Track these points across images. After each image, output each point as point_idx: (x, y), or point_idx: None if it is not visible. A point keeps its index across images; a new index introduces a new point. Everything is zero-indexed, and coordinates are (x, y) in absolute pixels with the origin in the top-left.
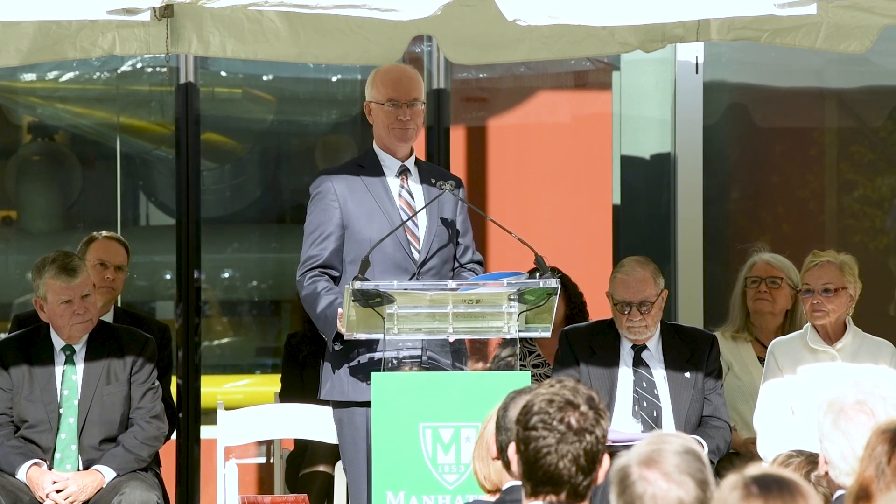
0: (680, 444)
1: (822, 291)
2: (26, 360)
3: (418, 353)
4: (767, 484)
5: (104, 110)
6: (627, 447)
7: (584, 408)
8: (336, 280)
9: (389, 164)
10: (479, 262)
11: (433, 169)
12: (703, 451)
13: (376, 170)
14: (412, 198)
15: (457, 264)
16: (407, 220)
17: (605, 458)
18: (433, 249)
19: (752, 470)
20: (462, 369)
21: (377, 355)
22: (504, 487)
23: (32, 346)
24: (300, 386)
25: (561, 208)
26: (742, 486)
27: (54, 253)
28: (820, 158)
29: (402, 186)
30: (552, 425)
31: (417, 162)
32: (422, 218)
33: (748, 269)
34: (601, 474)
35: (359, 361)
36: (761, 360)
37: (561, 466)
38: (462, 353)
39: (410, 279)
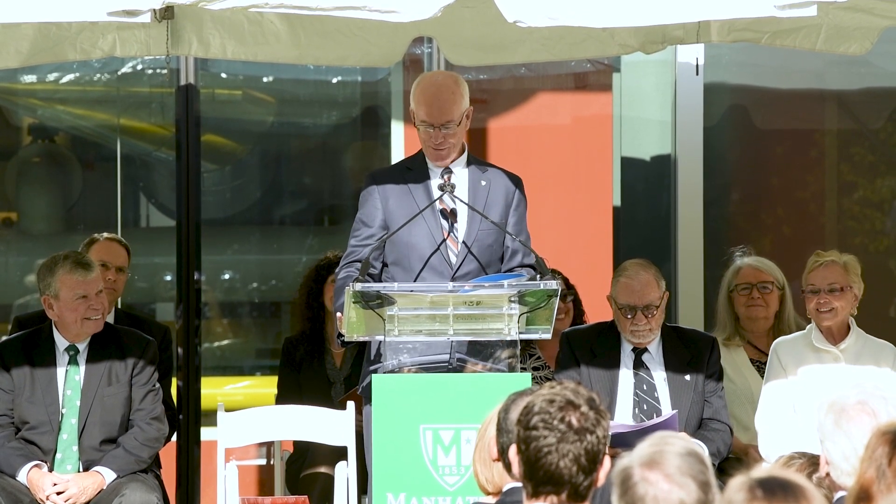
0: (682, 445)
1: (827, 290)
2: (28, 361)
3: (447, 357)
4: (772, 487)
5: (104, 112)
6: (631, 443)
7: (584, 408)
8: (374, 277)
9: (433, 166)
10: (532, 266)
11: (488, 167)
12: (706, 454)
13: (422, 172)
14: (454, 202)
15: (505, 268)
16: (419, 213)
17: (606, 460)
18: (470, 255)
19: (758, 472)
20: (501, 370)
21: (422, 359)
22: (504, 489)
23: (35, 347)
24: (297, 388)
25: (561, 210)
26: (747, 488)
27: (64, 252)
28: (820, 160)
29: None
30: (553, 425)
31: (470, 160)
32: (462, 221)
33: (734, 274)
34: (602, 475)
35: (390, 365)
36: (754, 362)
37: (562, 466)
38: (491, 355)
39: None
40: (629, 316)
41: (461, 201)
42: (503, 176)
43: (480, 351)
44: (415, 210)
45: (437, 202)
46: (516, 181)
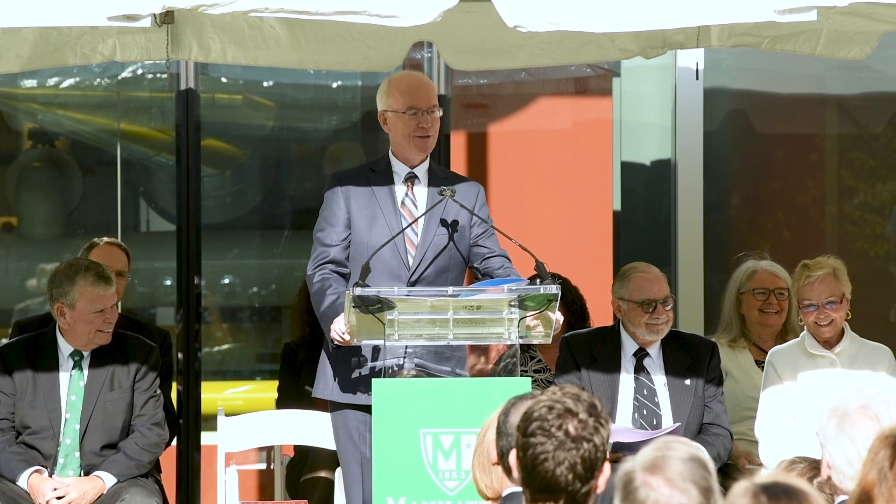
0: (686, 451)
1: (825, 304)
2: (31, 365)
3: (403, 361)
4: (776, 492)
5: (105, 116)
6: (634, 449)
7: (583, 415)
8: (345, 276)
9: (399, 170)
10: (506, 256)
11: (448, 175)
12: (710, 460)
13: (386, 175)
14: (415, 205)
15: (479, 264)
16: (406, 227)
17: (606, 466)
18: (428, 259)
19: (761, 477)
20: (461, 375)
21: (381, 363)
22: (504, 494)
23: (38, 351)
24: (297, 393)
25: (561, 214)
26: (751, 493)
27: (83, 261)
28: (820, 165)
29: (407, 194)
30: (550, 432)
31: (432, 168)
32: (420, 225)
33: (747, 277)
34: (602, 482)
35: (352, 365)
36: (759, 363)
37: (558, 473)
38: (461, 360)
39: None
40: (649, 310)
41: (461, 205)
42: (464, 182)
43: (446, 357)
44: (377, 211)
45: (401, 206)
46: (477, 186)
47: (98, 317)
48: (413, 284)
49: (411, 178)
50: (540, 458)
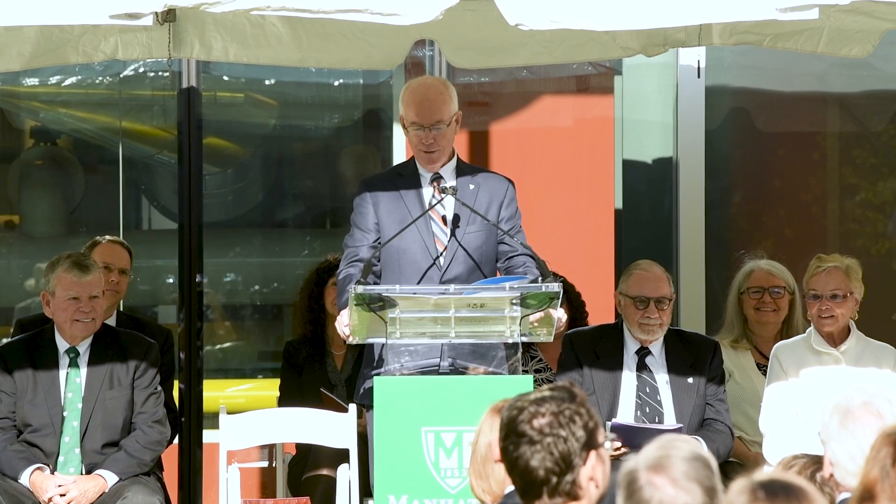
0: (689, 449)
1: (830, 297)
2: (31, 363)
3: (436, 360)
4: (774, 489)
5: (107, 115)
6: (634, 440)
7: (553, 408)
8: (376, 275)
9: (424, 172)
10: (531, 255)
11: (478, 171)
12: (712, 458)
13: (413, 178)
14: (443, 205)
15: (503, 264)
16: (414, 221)
17: (600, 459)
18: (459, 257)
19: (759, 475)
20: (497, 374)
21: (423, 362)
22: (506, 492)
23: (37, 349)
24: (299, 391)
25: (563, 212)
26: (749, 490)
27: (69, 252)
28: (822, 162)
29: (434, 195)
30: (519, 430)
31: (460, 165)
32: (449, 226)
33: (745, 277)
34: (599, 475)
35: (392, 368)
36: (760, 366)
37: (530, 468)
38: (496, 358)
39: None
40: (641, 308)
41: (463, 204)
42: (493, 178)
43: (482, 354)
44: (406, 215)
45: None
46: (506, 182)
47: (72, 304)
48: (445, 283)
49: (437, 179)
50: (514, 457)
